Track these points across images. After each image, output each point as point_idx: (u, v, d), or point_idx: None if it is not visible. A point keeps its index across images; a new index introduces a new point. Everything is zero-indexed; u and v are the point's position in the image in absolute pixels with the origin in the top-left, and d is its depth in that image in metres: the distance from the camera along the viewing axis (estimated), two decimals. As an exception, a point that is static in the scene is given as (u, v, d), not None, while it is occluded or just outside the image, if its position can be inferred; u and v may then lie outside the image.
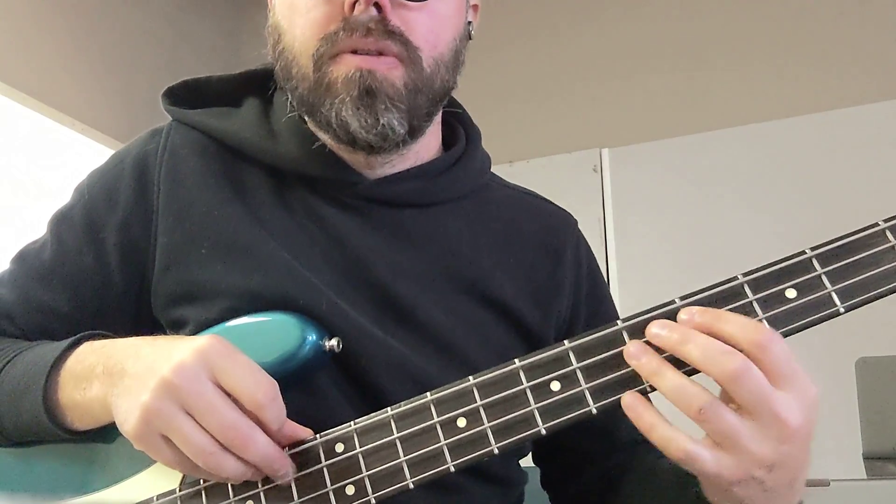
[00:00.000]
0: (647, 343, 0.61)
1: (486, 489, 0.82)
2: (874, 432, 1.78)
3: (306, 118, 0.82)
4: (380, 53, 0.75)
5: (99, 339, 0.77)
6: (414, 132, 0.81)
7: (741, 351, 0.57)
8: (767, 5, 2.90)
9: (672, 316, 0.61)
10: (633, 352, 0.61)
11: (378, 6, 0.74)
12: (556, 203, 0.99)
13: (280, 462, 0.65)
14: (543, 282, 0.89)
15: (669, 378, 0.59)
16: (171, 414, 0.62)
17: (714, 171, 2.79)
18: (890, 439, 1.74)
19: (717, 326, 0.59)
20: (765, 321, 0.60)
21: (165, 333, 0.82)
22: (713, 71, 2.92)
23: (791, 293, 0.61)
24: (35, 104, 2.58)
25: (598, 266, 0.98)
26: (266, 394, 0.64)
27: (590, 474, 0.90)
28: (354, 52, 0.75)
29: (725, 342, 0.58)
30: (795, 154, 2.70)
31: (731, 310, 0.61)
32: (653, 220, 2.83)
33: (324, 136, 0.83)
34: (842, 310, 0.60)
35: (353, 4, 0.74)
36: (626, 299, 2.71)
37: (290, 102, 0.82)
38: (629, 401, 0.61)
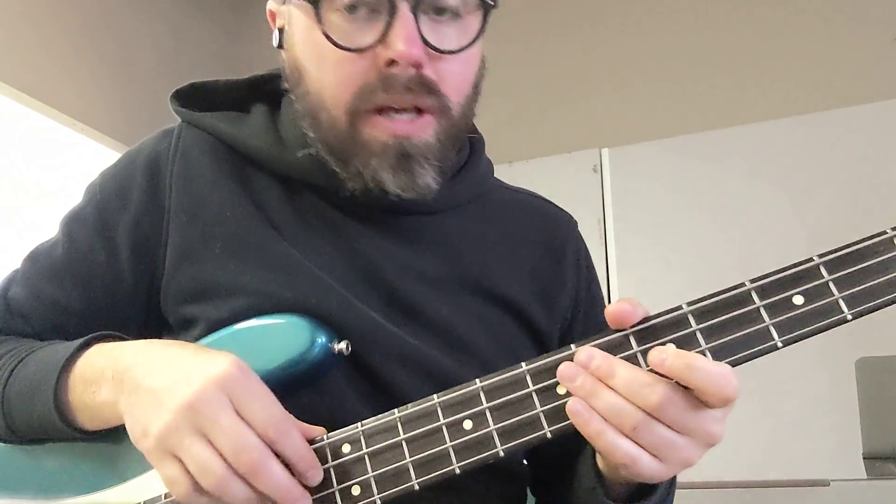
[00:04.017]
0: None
1: (489, 484, 0.83)
2: (874, 432, 1.78)
3: (333, 162, 0.81)
4: (415, 108, 0.76)
5: (110, 340, 0.77)
6: (444, 175, 0.81)
7: (708, 400, 0.60)
8: (767, 6, 2.91)
9: (676, 322, 0.63)
10: (568, 374, 0.63)
11: (416, 63, 0.74)
12: (556, 204, 1.00)
13: (296, 494, 0.65)
14: (547, 280, 0.90)
15: (604, 397, 0.61)
16: (188, 436, 0.63)
17: (714, 171, 2.79)
18: (890, 439, 1.75)
19: (686, 375, 0.59)
20: (772, 328, 0.61)
21: (173, 331, 0.83)
22: (712, 71, 2.92)
23: (798, 300, 0.61)
24: (35, 104, 2.58)
25: (594, 269, 0.99)
26: (278, 428, 0.64)
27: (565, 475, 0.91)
28: (388, 109, 0.76)
29: (695, 389, 0.60)
30: (795, 154, 2.71)
31: (737, 316, 0.62)
32: (652, 220, 2.83)
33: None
34: (849, 317, 0.60)
35: (391, 62, 0.73)
36: (626, 299, 2.70)
37: (315, 143, 0.81)
38: (574, 408, 0.62)
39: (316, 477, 0.66)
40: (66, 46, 2.75)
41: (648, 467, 0.61)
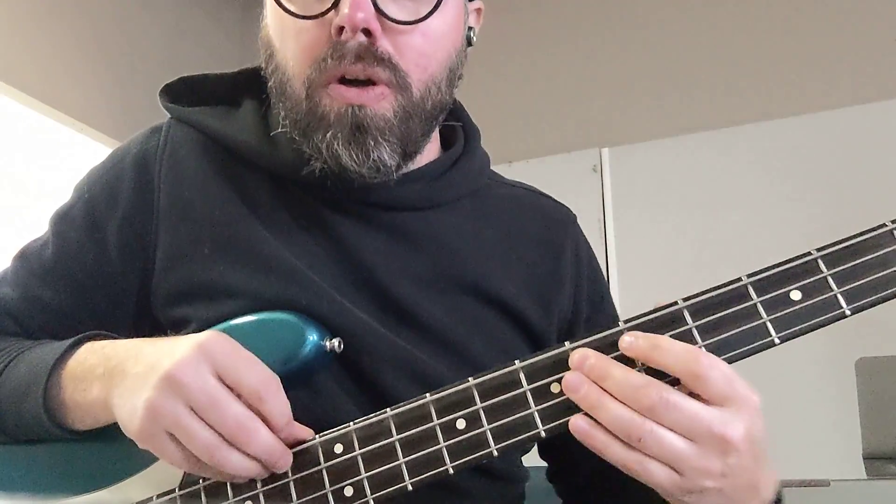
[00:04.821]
0: None
1: (487, 486, 0.82)
2: (874, 432, 1.78)
3: (299, 139, 0.81)
4: (368, 80, 0.75)
5: (100, 339, 0.77)
6: (408, 157, 0.80)
7: (679, 378, 0.59)
8: (767, 5, 2.90)
9: (671, 319, 0.62)
10: (573, 384, 0.61)
11: (367, 31, 0.73)
12: (554, 198, 0.99)
13: (282, 457, 0.65)
14: (545, 278, 0.89)
15: (608, 409, 0.60)
16: (175, 410, 0.62)
17: (714, 171, 2.79)
18: (890, 439, 1.75)
19: (652, 355, 0.60)
20: (769, 324, 0.60)
21: (166, 332, 0.81)
22: (712, 71, 2.92)
23: (796, 295, 0.60)
24: (35, 104, 2.58)
25: (597, 263, 0.98)
26: (268, 388, 0.64)
27: (591, 466, 0.90)
28: (344, 79, 0.75)
29: (662, 369, 0.60)
30: (795, 154, 2.70)
31: (734, 312, 0.61)
32: (653, 220, 2.83)
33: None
34: (848, 312, 0.59)
35: (342, 29, 0.73)
36: (626, 299, 2.70)
37: (283, 120, 0.81)
38: (578, 425, 0.61)
39: (290, 432, 0.67)
40: (67, 46, 2.75)
41: (666, 479, 0.59)
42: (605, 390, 0.60)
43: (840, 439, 2.22)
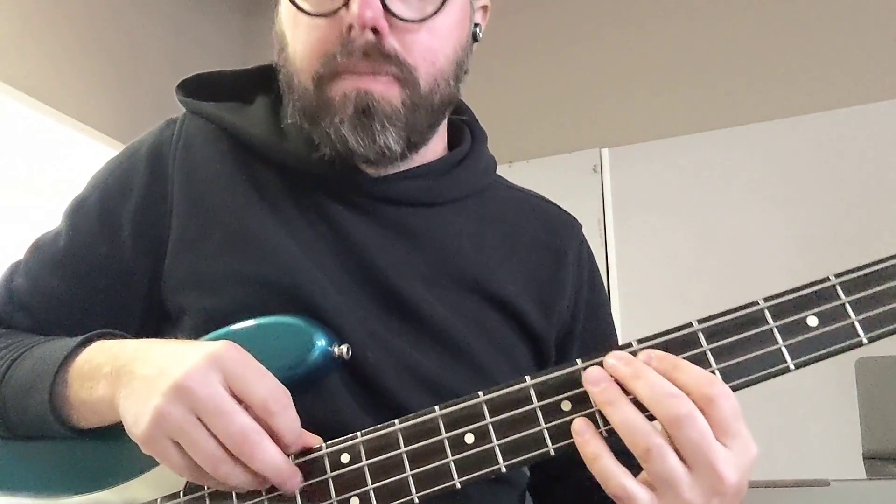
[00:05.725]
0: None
1: (488, 490, 0.82)
2: (874, 432, 1.78)
3: (308, 127, 0.82)
4: (375, 74, 0.76)
5: (110, 338, 0.77)
6: (413, 147, 0.82)
7: (693, 400, 0.58)
8: (767, 6, 2.90)
9: (686, 341, 0.62)
10: (594, 377, 0.61)
11: (375, 30, 0.74)
12: (560, 206, 0.99)
13: (286, 473, 0.65)
14: (546, 282, 0.89)
15: (624, 410, 0.59)
16: (181, 418, 0.62)
17: (714, 171, 2.79)
18: (890, 439, 1.75)
19: (671, 375, 0.60)
20: (784, 349, 0.60)
21: (173, 322, 0.82)
22: (712, 71, 2.92)
23: (813, 321, 0.60)
24: (35, 104, 2.57)
25: (599, 272, 0.98)
26: (277, 401, 0.64)
27: (570, 483, 0.90)
28: (352, 72, 0.76)
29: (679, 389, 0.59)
30: (795, 154, 2.71)
31: (750, 336, 0.61)
32: (653, 220, 2.83)
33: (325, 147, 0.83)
34: (865, 340, 0.59)
35: (351, 27, 0.74)
36: (625, 300, 2.71)
37: (293, 112, 0.83)
38: (579, 426, 0.61)
39: (298, 447, 0.67)
40: (68, 46, 2.74)
41: (645, 502, 0.58)
42: (628, 393, 0.60)
43: (840, 439, 2.23)
